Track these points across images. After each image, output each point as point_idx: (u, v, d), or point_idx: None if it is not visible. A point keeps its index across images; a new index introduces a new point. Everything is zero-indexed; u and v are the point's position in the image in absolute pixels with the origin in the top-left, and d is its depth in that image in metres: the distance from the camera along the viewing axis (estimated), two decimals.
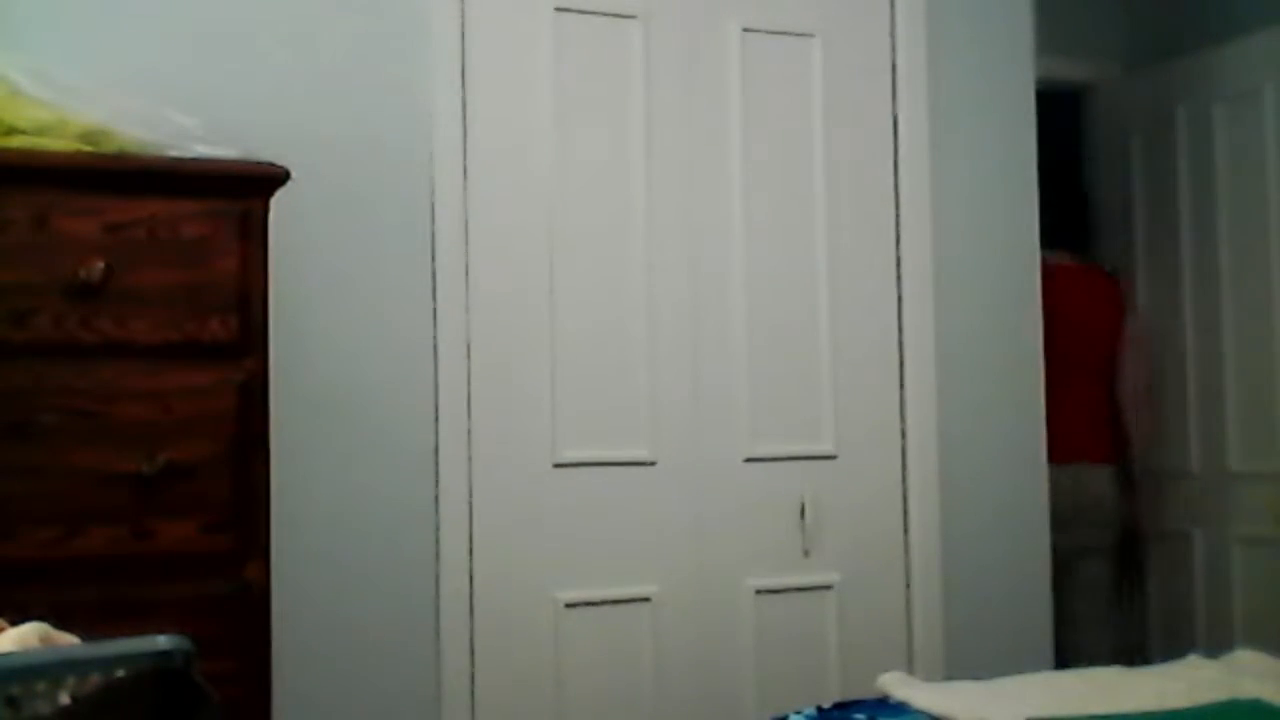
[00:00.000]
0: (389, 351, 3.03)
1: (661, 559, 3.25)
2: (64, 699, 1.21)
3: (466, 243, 3.08)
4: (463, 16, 3.11)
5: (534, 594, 3.12)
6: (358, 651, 2.96)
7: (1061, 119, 4.50)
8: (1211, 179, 4.13)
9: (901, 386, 3.53)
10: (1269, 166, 3.94)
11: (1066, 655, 3.87)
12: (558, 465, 3.16)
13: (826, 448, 3.43)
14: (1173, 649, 3.70)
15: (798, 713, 2.66)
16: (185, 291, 2.36)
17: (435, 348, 3.05)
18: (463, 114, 3.10)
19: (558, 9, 3.17)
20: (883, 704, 2.71)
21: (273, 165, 2.47)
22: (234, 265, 2.39)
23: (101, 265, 2.29)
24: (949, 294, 3.57)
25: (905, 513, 3.52)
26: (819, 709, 2.68)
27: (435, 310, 3.05)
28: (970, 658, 3.42)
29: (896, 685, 2.79)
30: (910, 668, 3.37)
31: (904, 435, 3.52)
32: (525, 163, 3.16)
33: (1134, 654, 3.91)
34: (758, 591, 3.33)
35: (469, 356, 3.08)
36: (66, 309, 2.29)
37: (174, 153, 2.46)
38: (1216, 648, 3.35)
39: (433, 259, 3.06)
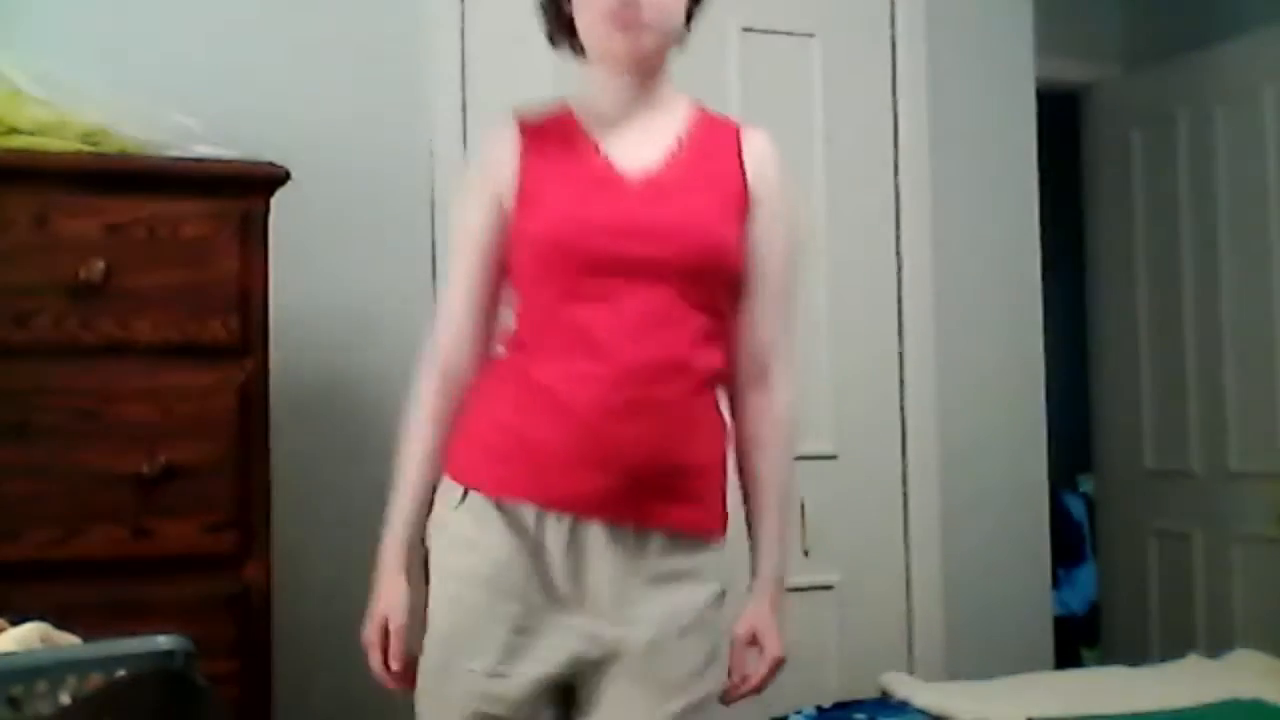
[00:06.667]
0: (389, 351, 3.02)
1: None
2: (64, 699, 1.21)
3: None
4: (463, 16, 3.12)
5: None
6: (358, 652, 2.95)
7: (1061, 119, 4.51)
8: (1211, 179, 4.13)
9: (901, 387, 3.53)
10: (1269, 166, 3.93)
11: None
12: None
13: (826, 448, 3.42)
14: (1173, 649, 3.70)
15: (798, 713, 2.67)
16: (185, 292, 2.36)
17: None
18: (463, 114, 3.10)
19: None
20: (883, 704, 2.71)
21: (273, 165, 2.47)
22: (234, 265, 2.39)
23: (101, 265, 2.30)
24: (949, 294, 3.57)
25: (905, 513, 3.52)
26: (819, 709, 2.69)
27: (435, 310, 3.04)
28: (970, 658, 3.42)
29: (896, 685, 2.80)
30: (910, 668, 3.37)
31: (904, 435, 3.52)
32: None
33: None
34: None
35: None
36: (67, 309, 2.29)
37: (174, 153, 2.46)
38: (1216, 648, 3.35)
39: (433, 259, 3.06)
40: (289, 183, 2.50)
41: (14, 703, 1.18)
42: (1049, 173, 3.91)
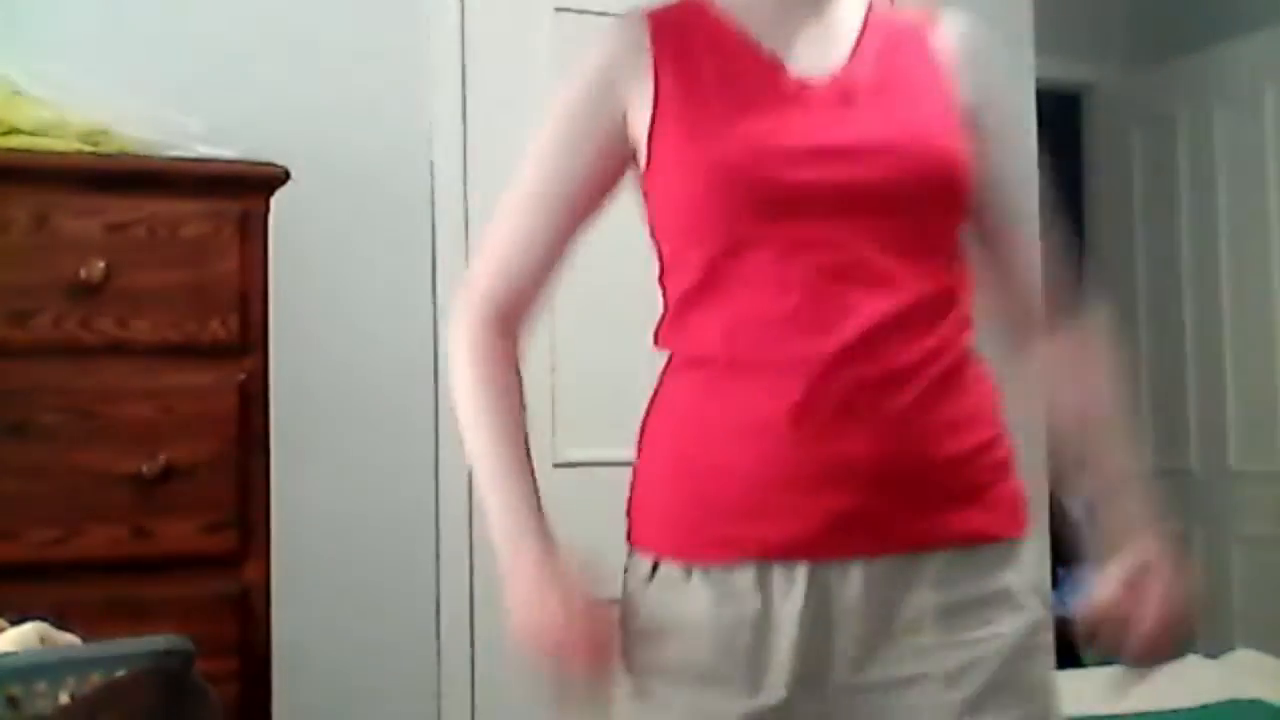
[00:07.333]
0: (389, 351, 3.03)
1: None
2: (64, 699, 1.21)
3: (466, 243, 3.08)
4: (463, 17, 3.11)
5: None
6: (358, 652, 2.96)
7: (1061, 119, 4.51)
8: (1211, 179, 4.13)
9: None
10: (1269, 166, 3.94)
11: None
12: (558, 465, 3.15)
13: None
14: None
15: None
16: (185, 291, 2.36)
17: (435, 347, 3.04)
18: (463, 114, 3.10)
19: (557, 9, 3.17)
20: None
21: (273, 165, 2.47)
22: (234, 265, 2.39)
23: (101, 265, 2.30)
24: None
25: None
26: None
27: (435, 310, 3.05)
28: None
29: None
30: None
31: None
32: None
33: None
34: None
35: None
36: (67, 309, 2.29)
37: (174, 153, 2.47)
38: (1216, 648, 3.35)
39: (433, 259, 3.06)
40: (289, 183, 2.50)
41: (13, 702, 1.18)
42: (1049, 173, 3.90)
